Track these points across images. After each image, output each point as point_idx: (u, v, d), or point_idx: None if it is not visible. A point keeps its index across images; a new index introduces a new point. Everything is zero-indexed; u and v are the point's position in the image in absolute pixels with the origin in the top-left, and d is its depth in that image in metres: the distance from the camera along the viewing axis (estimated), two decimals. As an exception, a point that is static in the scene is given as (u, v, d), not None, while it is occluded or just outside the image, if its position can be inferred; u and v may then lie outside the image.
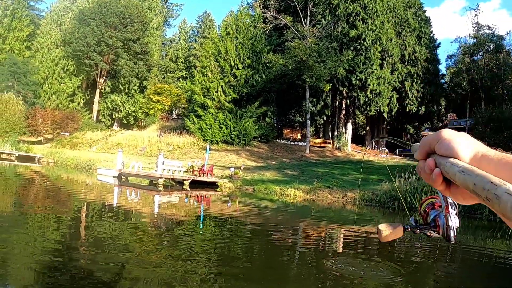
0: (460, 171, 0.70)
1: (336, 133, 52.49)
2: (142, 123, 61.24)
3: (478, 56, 51.74)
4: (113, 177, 27.62)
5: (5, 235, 6.76)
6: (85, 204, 13.30)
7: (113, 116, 65.71)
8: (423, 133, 56.30)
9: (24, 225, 8.09)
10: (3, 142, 42.55)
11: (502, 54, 50.00)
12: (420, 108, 49.46)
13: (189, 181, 26.80)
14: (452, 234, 1.01)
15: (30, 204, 11.70)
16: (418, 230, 1.11)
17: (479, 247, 10.12)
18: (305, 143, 48.02)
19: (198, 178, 27.40)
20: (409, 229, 1.12)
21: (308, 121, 46.55)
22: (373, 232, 12.18)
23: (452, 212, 1.00)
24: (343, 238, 10.81)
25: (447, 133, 0.79)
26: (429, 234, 1.10)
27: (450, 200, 0.97)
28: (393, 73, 48.04)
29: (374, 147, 51.26)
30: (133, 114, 63.44)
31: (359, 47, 46.21)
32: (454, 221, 1.01)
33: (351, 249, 9.00)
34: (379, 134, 54.55)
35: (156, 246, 7.32)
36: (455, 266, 7.86)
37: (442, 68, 58.51)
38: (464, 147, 0.76)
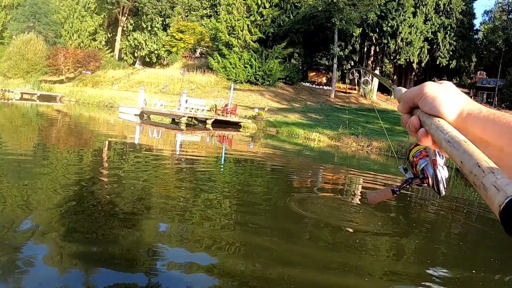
0: (446, 140, 0.67)
1: (362, 79, 51.22)
2: (165, 61, 60.43)
3: (516, 16, 49.58)
4: (135, 115, 27.26)
5: (29, 171, 6.73)
6: (107, 141, 13.08)
7: (135, 54, 65.08)
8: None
9: (46, 162, 7.93)
10: (25, 83, 42.50)
11: None
12: (451, 62, 47.68)
13: (212, 120, 26.34)
14: (442, 187, 0.99)
15: (52, 142, 11.56)
16: (408, 186, 1.08)
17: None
18: (330, 88, 47.12)
19: (221, 118, 26.93)
20: (398, 191, 1.11)
21: (335, 66, 45.41)
22: (387, 182, 11.96)
23: (441, 163, 0.98)
24: (361, 189, 10.28)
25: (431, 88, 0.76)
26: (419, 185, 1.07)
27: (437, 151, 0.91)
28: (426, 23, 46.22)
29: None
30: (156, 52, 62.61)
31: (392, -8, 44.34)
32: (443, 173, 0.98)
33: (363, 201, 8.39)
34: (406, 85, 53.14)
35: (176, 185, 7.16)
36: (471, 231, 7.31)
37: (477, 23, 56.40)
38: (448, 105, 0.72)
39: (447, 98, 0.73)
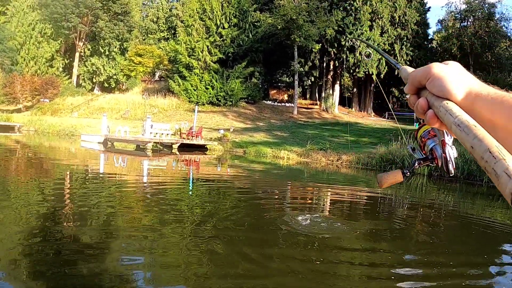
0: (455, 124, 0.67)
1: (323, 94, 51.95)
2: (124, 86, 59.65)
3: (468, 23, 51.27)
4: (98, 143, 26.57)
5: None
6: (71, 172, 12.64)
7: (94, 80, 64.10)
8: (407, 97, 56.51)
9: (6, 196, 7.56)
10: (-20, 113, 41.07)
11: (492, 22, 49.53)
12: (409, 71, 48.71)
13: (178, 144, 25.93)
14: (451, 166, 0.99)
15: (12, 175, 11.03)
16: (417, 165, 1.10)
17: (476, 215, 9.52)
18: (292, 104, 47.49)
19: (187, 141, 26.55)
20: (408, 173, 1.13)
21: (296, 82, 45.83)
22: (359, 193, 12.35)
23: (449, 142, 0.99)
24: (330, 200, 10.64)
25: (438, 69, 0.75)
26: (428, 165, 1.10)
27: (445, 131, 0.92)
28: (383, 35, 47.47)
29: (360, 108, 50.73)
30: (114, 77, 61.84)
31: (348, 7, 45.69)
32: (451, 153, 0.99)
33: (337, 211, 8.98)
34: (366, 96, 54.35)
35: (142, 212, 7.04)
36: (443, 232, 7.57)
37: (431, 32, 58.30)
38: (456, 86, 0.72)
39: (455, 79, 0.73)
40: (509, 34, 52.05)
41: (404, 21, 48.16)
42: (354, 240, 6.09)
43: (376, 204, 10.29)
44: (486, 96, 0.68)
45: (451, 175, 1.02)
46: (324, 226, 6.82)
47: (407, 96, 0.85)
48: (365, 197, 11.55)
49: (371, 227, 7.02)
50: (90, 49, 63.15)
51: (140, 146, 25.20)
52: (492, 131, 0.63)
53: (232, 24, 46.11)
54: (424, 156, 1.08)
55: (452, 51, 49.58)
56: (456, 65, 0.76)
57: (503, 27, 51.27)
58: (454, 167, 0.99)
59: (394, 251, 5.79)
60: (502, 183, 0.54)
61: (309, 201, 10.14)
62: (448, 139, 0.97)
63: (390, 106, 55.03)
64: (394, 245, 6.09)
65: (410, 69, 0.88)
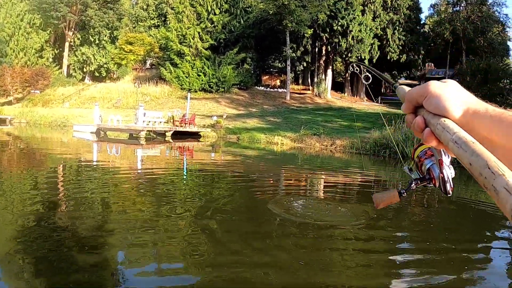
0: (453, 141, 0.66)
1: (315, 79, 51.81)
2: (115, 75, 59.22)
3: (460, 7, 51.19)
4: (91, 133, 26.33)
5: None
6: (64, 162, 12.51)
7: (84, 70, 63.53)
8: (399, 81, 56.53)
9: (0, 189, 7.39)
10: (-29, 106, 40.69)
11: (485, 7, 49.47)
12: (401, 56, 48.99)
13: (171, 132, 25.83)
14: (448, 186, 0.97)
15: (5, 167, 10.85)
16: (415, 186, 1.06)
17: (470, 198, 9.55)
18: (284, 90, 47.42)
19: (181, 129, 26.45)
20: (405, 193, 1.10)
21: (288, 68, 45.67)
22: (353, 177, 12.36)
23: (447, 162, 0.97)
24: (324, 184, 10.73)
25: (435, 87, 0.74)
26: (425, 185, 1.05)
27: (443, 150, 0.91)
28: (375, 20, 47.34)
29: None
30: (105, 66, 61.34)
31: (340, -9, 45.13)
32: (449, 173, 0.97)
33: (331, 194, 8.96)
34: (359, 81, 54.13)
35: (138, 201, 6.91)
36: (438, 213, 7.68)
37: (424, 17, 58.25)
38: (454, 103, 0.71)
39: (452, 97, 0.72)
40: (501, 19, 52.17)
41: (396, 6, 48.12)
42: (349, 220, 6.15)
43: (370, 187, 10.30)
44: (484, 113, 0.67)
45: (448, 195, 0.98)
46: (319, 208, 6.85)
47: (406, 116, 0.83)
48: (359, 181, 11.57)
49: (365, 209, 7.03)
50: (80, 39, 62.56)
51: (133, 135, 25.05)
52: (490, 149, 0.61)
53: (223, 10, 45.83)
54: (421, 176, 1.05)
55: (445, 35, 49.62)
56: (453, 83, 0.75)
57: (496, 12, 51.42)
58: (452, 187, 0.96)
59: (389, 229, 5.85)
60: (502, 198, 0.52)
61: (303, 185, 10.17)
62: (446, 159, 0.94)
63: (381, 90, 55.10)
64: (389, 224, 6.14)
65: (407, 88, 0.88)
